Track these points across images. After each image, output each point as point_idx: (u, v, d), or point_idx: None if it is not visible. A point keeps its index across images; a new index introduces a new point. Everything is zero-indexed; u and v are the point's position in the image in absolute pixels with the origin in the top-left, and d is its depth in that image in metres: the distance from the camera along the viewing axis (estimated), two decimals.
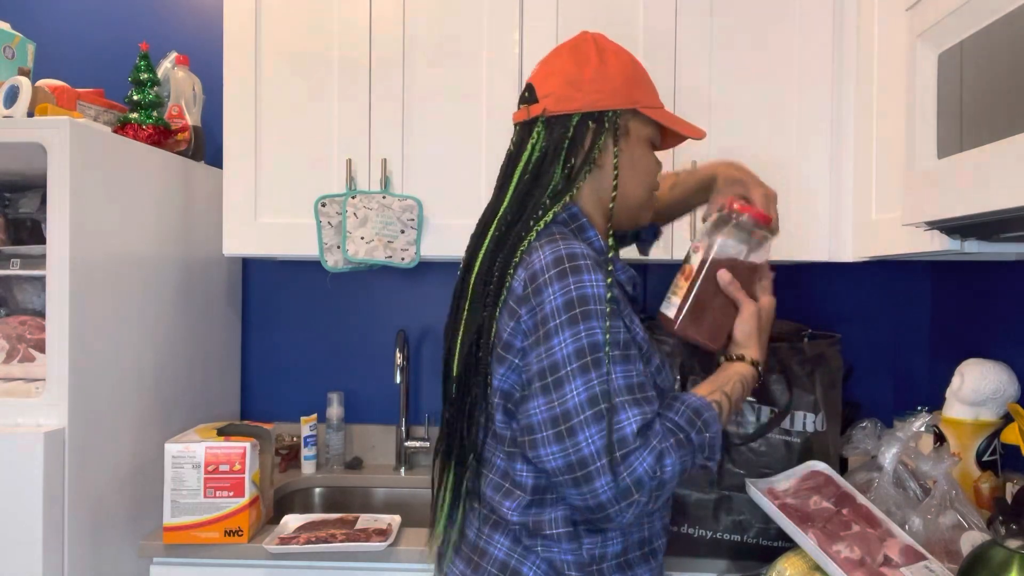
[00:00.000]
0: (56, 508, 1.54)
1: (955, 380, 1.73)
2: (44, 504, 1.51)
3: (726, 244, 1.28)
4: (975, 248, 1.34)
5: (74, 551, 1.59)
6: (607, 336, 1.08)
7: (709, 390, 1.20)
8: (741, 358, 1.25)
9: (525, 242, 1.15)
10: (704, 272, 1.27)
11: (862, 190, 1.79)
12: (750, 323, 1.26)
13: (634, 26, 1.94)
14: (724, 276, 1.26)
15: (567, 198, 1.21)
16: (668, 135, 1.35)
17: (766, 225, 1.30)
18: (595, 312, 1.09)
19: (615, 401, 1.07)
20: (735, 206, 1.29)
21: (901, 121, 1.42)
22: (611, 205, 1.23)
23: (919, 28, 1.29)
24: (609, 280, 1.11)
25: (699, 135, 1.29)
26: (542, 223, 1.17)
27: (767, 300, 1.30)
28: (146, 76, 1.98)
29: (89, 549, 1.64)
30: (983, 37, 1.12)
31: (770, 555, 1.55)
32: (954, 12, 1.18)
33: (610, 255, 1.20)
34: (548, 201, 1.20)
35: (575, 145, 1.21)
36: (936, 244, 1.36)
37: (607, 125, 1.22)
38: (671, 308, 1.29)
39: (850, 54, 1.86)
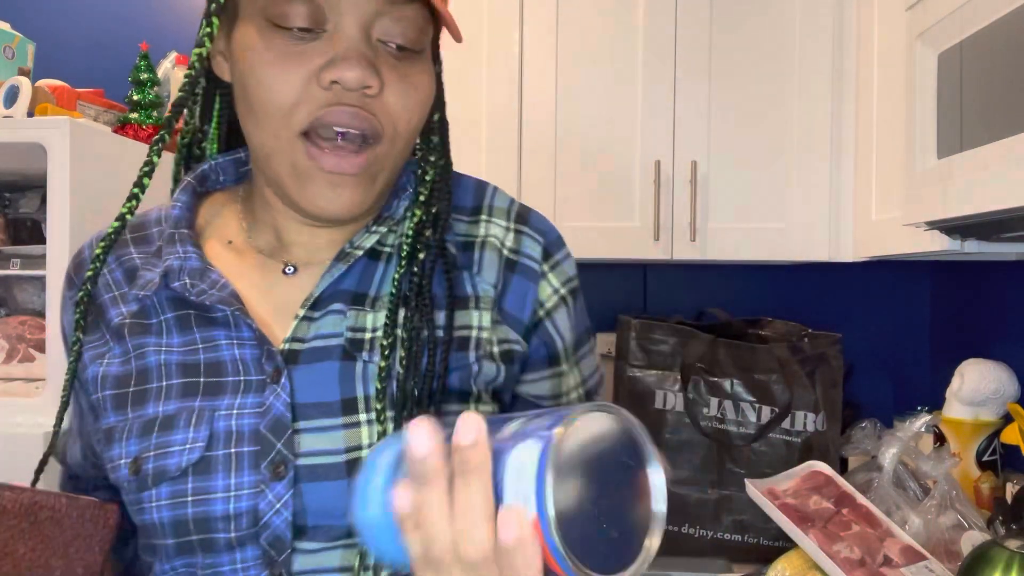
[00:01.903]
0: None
1: (955, 380, 1.73)
2: None
3: None
4: (975, 248, 1.34)
5: None
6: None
7: None
8: None
9: None
10: None
11: (862, 190, 1.79)
12: None
13: (634, 28, 1.93)
14: None
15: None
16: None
17: None
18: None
19: None
20: None
21: (901, 121, 1.42)
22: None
23: (919, 28, 1.29)
24: (82, 293, 0.77)
25: None
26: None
27: None
28: (146, 76, 1.98)
29: None
30: (983, 37, 1.12)
31: (770, 555, 1.55)
32: (954, 12, 1.18)
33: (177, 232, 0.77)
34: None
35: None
36: (936, 244, 1.36)
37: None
38: None
39: (850, 54, 1.86)
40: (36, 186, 1.93)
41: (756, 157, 1.92)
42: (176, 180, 0.85)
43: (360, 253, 0.75)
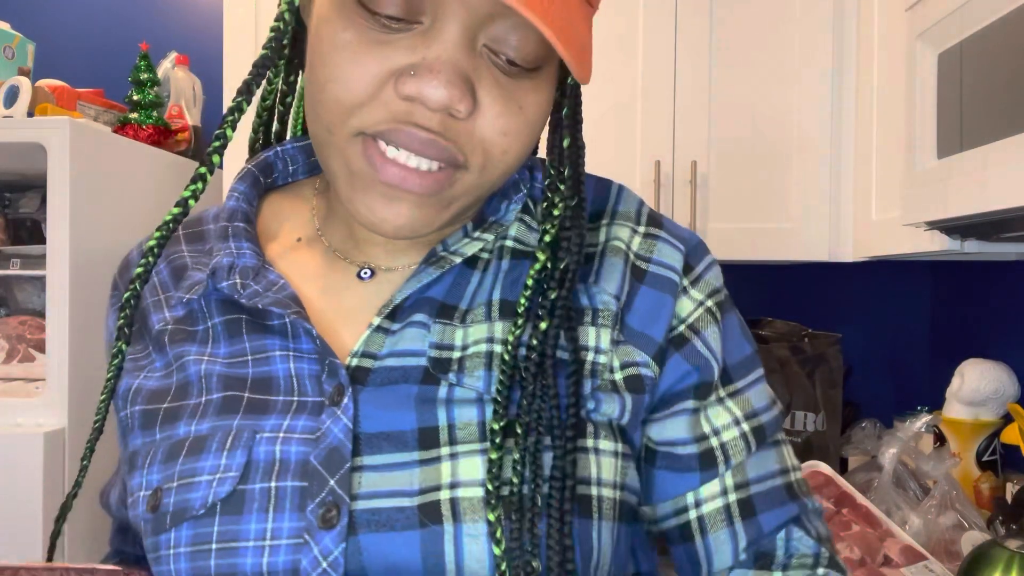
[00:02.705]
0: (56, 508, 1.54)
1: (955, 380, 1.73)
2: (44, 504, 1.51)
3: None
4: (975, 248, 1.34)
5: (74, 551, 1.59)
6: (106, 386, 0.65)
7: None
8: None
9: None
10: None
11: (862, 190, 1.79)
12: None
13: (634, 28, 1.94)
14: None
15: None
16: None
17: None
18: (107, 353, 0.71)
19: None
20: None
21: (901, 121, 1.42)
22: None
23: (919, 28, 1.29)
24: (128, 293, 0.64)
25: None
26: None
27: None
28: (146, 76, 1.98)
29: (89, 549, 1.64)
30: (983, 37, 1.12)
31: None
32: (954, 12, 1.18)
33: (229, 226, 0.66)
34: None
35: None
36: (936, 244, 1.36)
37: None
38: None
39: (850, 54, 1.86)
40: (36, 186, 1.93)
41: (756, 157, 1.92)
42: (253, 152, 0.72)
43: (458, 260, 0.62)
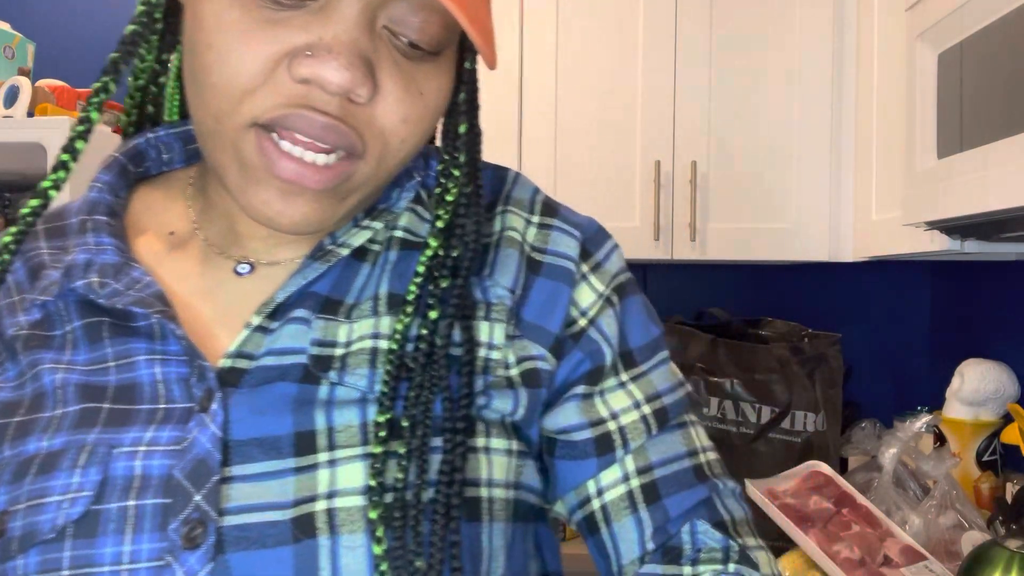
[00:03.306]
0: None
1: (955, 380, 1.73)
2: None
3: None
4: (975, 248, 1.34)
5: None
6: None
7: None
8: None
9: None
10: None
11: (862, 190, 1.79)
12: None
13: (634, 28, 1.94)
14: None
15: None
16: None
17: None
18: None
19: None
20: None
21: (901, 121, 1.42)
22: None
23: (919, 28, 1.29)
24: None
25: None
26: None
27: None
28: None
29: None
30: (983, 37, 1.12)
31: None
32: (954, 12, 1.18)
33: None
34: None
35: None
36: (936, 244, 1.36)
37: None
38: None
39: (850, 54, 1.86)
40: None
41: (756, 157, 1.92)
42: (127, 136, 0.66)
43: (345, 252, 0.58)
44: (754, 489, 1.45)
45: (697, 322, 1.93)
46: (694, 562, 0.58)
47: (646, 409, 0.61)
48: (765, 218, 1.92)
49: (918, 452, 1.51)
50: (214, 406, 0.52)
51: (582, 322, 0.61)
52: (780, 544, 1.58)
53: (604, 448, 0.60)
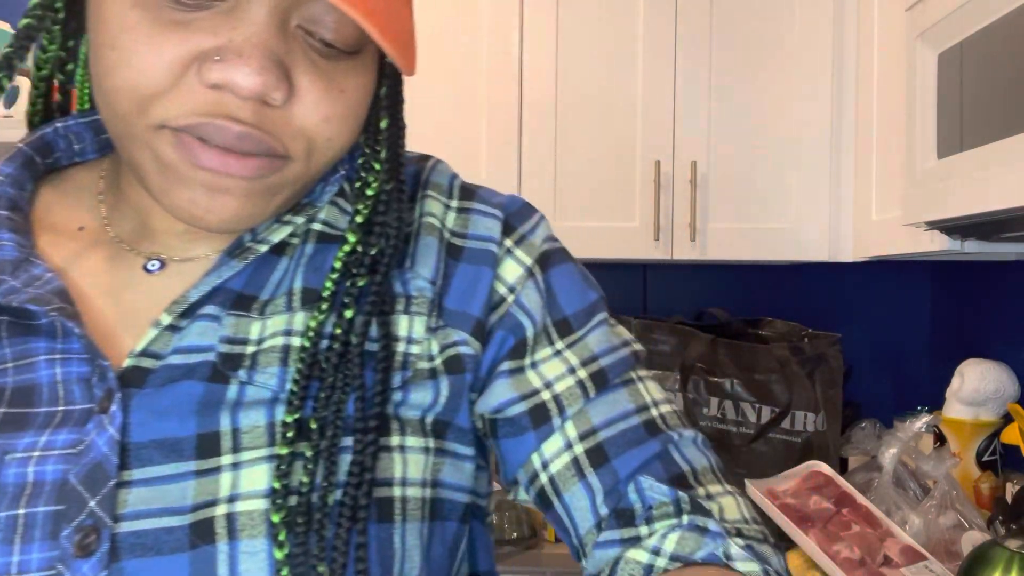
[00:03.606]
0: None
1: (955, 380, 1.73)
2: None
3: None
4: (975, 248, 1.34)
5: None
6: None
7: None
8: None
9: None
10: None
11: (862, 190, 1.79)
12: None
13: (634, 28, 1.94)
14: None
15: None
16: None
17: None
18: None
19: None
20: None
21: (901, 121, 1.43)
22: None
23: (919, 28, 1.29)
24: None
25: None
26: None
27: None
28: None
29: None
30: (983, 37, 1.12)
31: None
32: (954, 12, 1.18)
33: None
34: None
35: None
36: (936, 244, 1.36)
37: None
38: None
39: (850, 54, 1.86)
40: None
41: (756, 157, 1.92)
42: (34, 128, 0.64)
43: (264, 249, 0.56)
44: (754, 489, 1.45)
45: (697, 322, 1.93)
46: (648, 520, 0.56)
47: (581, 373, 0.59)
48: (765, 218, 1.92)
49: (918, 452, 1.51)
50: (113, 407, 0.50)
51: (509, 299, 0.59)
52: (780, 544, 1.59)
53: (540, 419, 0.58)
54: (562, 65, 1.94)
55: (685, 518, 0.55)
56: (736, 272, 2.29)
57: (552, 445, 0.58)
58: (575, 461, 0.58)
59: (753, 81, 1.92)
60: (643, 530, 0.55)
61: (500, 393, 0.59)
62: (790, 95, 1.91)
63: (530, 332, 0.59)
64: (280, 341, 0.54)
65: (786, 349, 1.76)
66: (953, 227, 1.26)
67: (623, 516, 0.56)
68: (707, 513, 0.56)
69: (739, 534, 0.56)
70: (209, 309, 0.54)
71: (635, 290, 2.30)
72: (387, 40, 0.47)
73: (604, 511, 0.57)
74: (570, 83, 1.94)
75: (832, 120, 1.90)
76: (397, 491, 0.55)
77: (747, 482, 1.48)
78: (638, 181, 1.92)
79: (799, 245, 1.90)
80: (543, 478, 0.58)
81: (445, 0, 1.95)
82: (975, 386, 1.69)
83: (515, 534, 1.77)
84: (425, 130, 1.95)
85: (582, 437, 0.58)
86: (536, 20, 1.94)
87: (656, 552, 0.54)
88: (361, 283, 0.55)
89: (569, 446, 0.58)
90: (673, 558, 0.53)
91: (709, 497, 0.57)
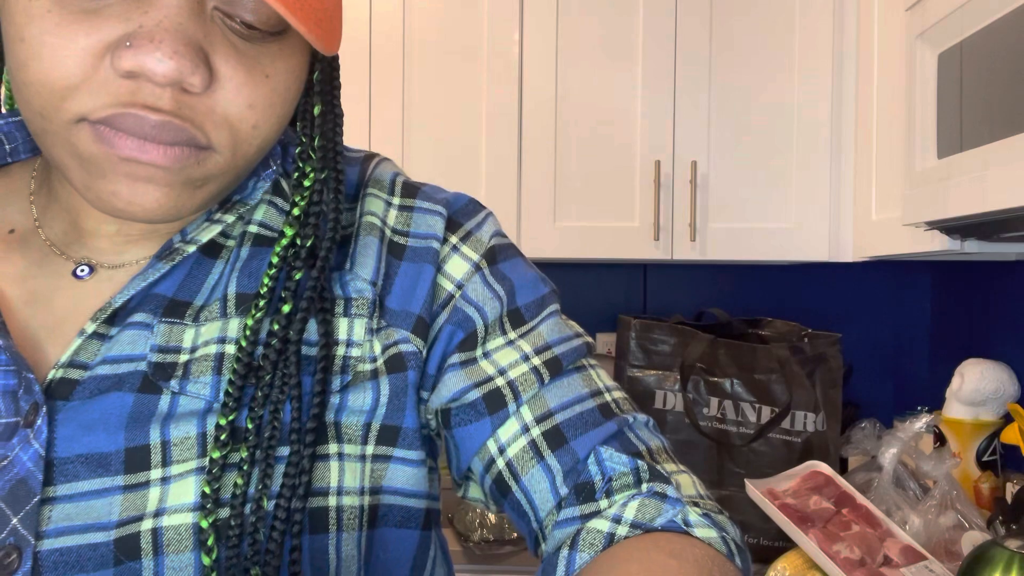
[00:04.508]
0: None
1: (955, 380, 1.73)
2: None
3: None
4: (975, 248, 1.34)
5: None
6: None
7: None
8: None
9: None
10: None
11: (862, 190, 1.79)
12: None
13: (634, 28, 1.94)
14: None
15: None
16: None
17: None
18: None
19: None
20: None
21: (901, 121, 1.43)
22: None
23: (919, 28, 1.29)
24: None
25: None
26: None
27: None
28: None
29: None
30: (983, 37, 1.12)
31: (770, 555, 1.55)
32: (954, 12, 1.18)
33: None
34: None
35: None
36: (936, 244, 1.36)
37: None
38: None
39: (850, 54, 1.86)
40: None
41: (756, 157, 1.92)
42: None
43: (192, 249, 0.54)
44: (754, 489, 1.45)
45: (697, 322, 1.93)
46: (608, 492, 0.55)
47: (536, 360, 0.59)
48: (765, 218, 1.92)
49: (918, 452, 1.51)
50: (39, 421, 0.48)
51: (456, 294, 0.59)
52: (780, 544, 1.58)
53: (495, 404, 0.58)
54: (562, 65, 1.94)
55: (644, 486, 0.55)
56: (736, 272, 2.29)
57: (508, 429, 0.57)
58: (533, 444, 0.57)
59: (753, 81, 1.92)
60: (603, 503, 0.55)
61: (453, 384, 0.58)
62: (790, 95, 1.91)
63: (480, 325, 0.59)
64: (214, 349, 0.52)
65: (786, 349, 1.76)
66: (953, 227, 1.26)
67: (583, 491, 0.56)
68: (666, 480, 0.56)
69: (696, 506, 0.56)
70: (139, 317, 0.52)
71: (635, 290, 2.30)
72: (299, 18, 0.44)
73: (564, 490, 0.56)
74: (570, 83, 1.94)
75: (832, 120, 1.90)
76: (332, 500, 0.53)
77: (747, 482, 1.48)
78: (638, 181, 1.92)
79: (799, 245, 1.90)
80: (500, 463, 0.58)
81: (446, 2, 1.95)
82: (975, 386, 1.69)
83: (515, 534, 1.77)
84: (425, 130, 1.95)
85: (539, 420, 0.57)
86: (536, 20, 1.94)
87: (617, 520, 0.53)
88: (298, 276, 0.53)
89: (526, 429, 0.57)
90: (634, 525, 0.53)
91: (667, 473, 0.57)
